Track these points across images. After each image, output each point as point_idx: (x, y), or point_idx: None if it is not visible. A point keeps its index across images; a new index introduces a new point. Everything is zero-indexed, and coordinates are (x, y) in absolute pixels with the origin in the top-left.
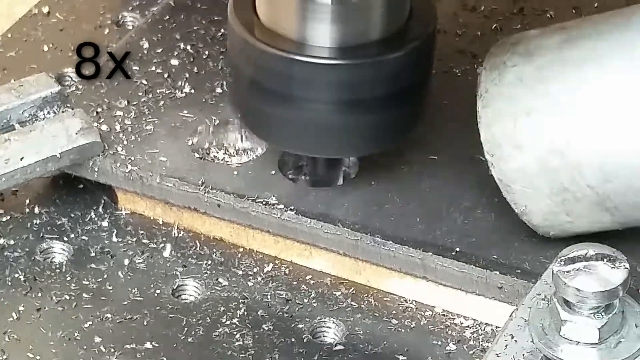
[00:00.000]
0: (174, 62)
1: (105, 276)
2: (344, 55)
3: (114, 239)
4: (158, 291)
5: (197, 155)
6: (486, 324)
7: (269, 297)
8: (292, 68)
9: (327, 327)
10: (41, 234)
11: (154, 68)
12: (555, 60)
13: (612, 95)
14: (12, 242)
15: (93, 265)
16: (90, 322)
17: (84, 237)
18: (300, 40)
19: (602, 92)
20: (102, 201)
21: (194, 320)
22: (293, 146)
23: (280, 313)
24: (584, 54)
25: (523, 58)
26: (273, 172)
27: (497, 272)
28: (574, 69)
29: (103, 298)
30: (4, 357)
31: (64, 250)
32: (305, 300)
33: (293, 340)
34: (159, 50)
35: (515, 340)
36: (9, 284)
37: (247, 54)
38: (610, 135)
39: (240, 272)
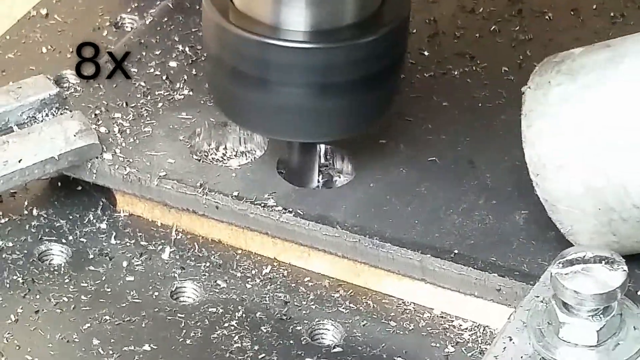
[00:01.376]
0: (173, 64)
1: (103, 278)
2: (318, 39)
3: (113, 241)
4: (156, 293)
5: (195, 157)
6: (484, 326)
7: (267, 299)
8: (267, 52)
9: (326, 329)
10: (39, 236)
11: (152, 70)
12: (599, 79)
13: None
14: (10, 244)
15: (91, 268)
16: (88, 324)
17: (82, 239)
18: (274, 24)
19: None
20: (101, 203)
21: (192, 322)
22: (268, 131)
23: (279, 315)
24: (627, 73)
25: (567, 77)
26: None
27: (496, 275)
28: (617, 89)
29: (101, 300)
30: (3, 359)
31: (62, 252)
32: (304, 302)
33: (291, 342)
34: (158, 52)
35: (514, 343)
36: (7, 286)
37: (222, 39)
38: None
39: (239, 274)
